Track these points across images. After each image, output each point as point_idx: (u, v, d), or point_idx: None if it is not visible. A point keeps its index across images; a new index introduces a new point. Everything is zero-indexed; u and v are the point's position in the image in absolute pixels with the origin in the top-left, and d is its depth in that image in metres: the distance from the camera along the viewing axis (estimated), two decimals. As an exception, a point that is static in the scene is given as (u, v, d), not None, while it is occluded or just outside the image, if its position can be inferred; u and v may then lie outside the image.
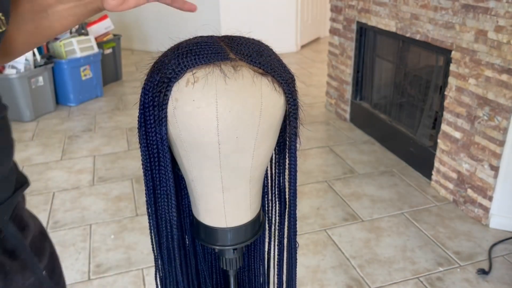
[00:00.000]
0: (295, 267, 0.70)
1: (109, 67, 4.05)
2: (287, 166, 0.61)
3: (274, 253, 0.73)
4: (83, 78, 3.64)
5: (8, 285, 0.51)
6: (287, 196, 0.65)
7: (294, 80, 0.58)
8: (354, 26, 3.03)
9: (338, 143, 2.96)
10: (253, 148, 0.56)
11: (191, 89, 0.52)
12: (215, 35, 0.58)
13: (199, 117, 0.52)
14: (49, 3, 0.53)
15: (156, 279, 0.72)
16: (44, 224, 2.13)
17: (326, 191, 2.41)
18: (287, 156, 0.61)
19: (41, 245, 0.62)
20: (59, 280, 0.66)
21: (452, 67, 2.18)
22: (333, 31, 3.32)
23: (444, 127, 2.29)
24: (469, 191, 2.16)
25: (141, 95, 0.56)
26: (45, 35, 0.55)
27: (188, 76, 0.52)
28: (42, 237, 0.63)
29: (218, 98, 0.51)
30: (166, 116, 0.53)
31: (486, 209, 2.08)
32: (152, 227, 0.65)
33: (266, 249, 0.76)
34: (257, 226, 0.67)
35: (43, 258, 0.60)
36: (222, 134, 0.53)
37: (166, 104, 0.53)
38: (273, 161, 0.68)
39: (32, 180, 2.52)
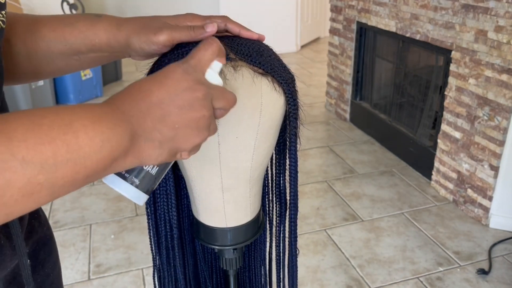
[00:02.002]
0: (296, 269, 0.69)
1: (109, 67, 4.05)
2: (287, 166, 0.61)
3: (274, 254, 0.73)
4: (83, 78, 3.64)
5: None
6: (287, 197, 0.64)
7: (294, 80, 0.58)
8: (354, 26, 3.03)
9: (338, 143, 2.96)
10: (253, 148, 0.56)
11: None
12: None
13: None
14: (81, 50, 0.56)
15: (154, 278, 0.72)
16: (44, 224, 2.13)
17: (326, 191, 2.41)
18: (287, 156, 0.61)
19: (31, 227, 0.59)
20: (45, 278, 0.61)
21: (452, 67, 2.18)
22: (333, 31, 3.32)
23: (444, 127, 2.29)
24: (469, 191, 2.16)
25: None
26: (73, 70, 0.60)
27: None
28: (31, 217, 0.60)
29: None
30: None
31: (486, 209, 2.08)
32: (151, 227, 0.65)
33: (267, 250, 0.76)
34: (257, 226, 0.67)
35: (29, 242, 0.58)
36: (221, 134, 0.53)
37: None
38: (273, 161, 0.68)
39: (32, 180, 2.52)
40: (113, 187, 0.45)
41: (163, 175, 0.48)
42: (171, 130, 0.40)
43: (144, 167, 0.46)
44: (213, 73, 0.45)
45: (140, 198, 0.46)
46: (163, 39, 0.51)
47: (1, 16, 0.45)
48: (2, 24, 0.45)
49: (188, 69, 0.42)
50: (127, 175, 0.45)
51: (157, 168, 0.47)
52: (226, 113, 0.45)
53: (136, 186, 0.45)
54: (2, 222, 0.33)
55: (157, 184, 0.48)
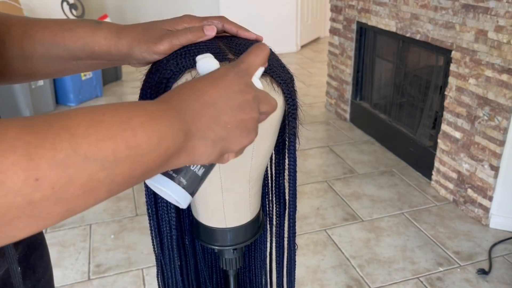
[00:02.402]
0: (294, 268, 0.69)
1: (109, 67, 4.05)
2: (286, 166, 0.61)
3: (274, 254, 0.73)
4: (83, 78, 3.64)
5: None
6: (286, 197, 0.64)
7: (293, 80, 0.58)
8: (354, 26, 3.03)
9: (338, 143, 2.96)
10: (252, 148, 0.56)
11: None
12: None
13: None
14: (79, 56, 0.56)
15: (157, 279, 0.72)
16: (44, 224, 2.13)
17: (326, 191, 2.41)
18: (286, 156, 0.61)
19: None
20: (36, 283, 0.60)
21: (452, 67, 2.17)
22: (333, 31, 3.32)
23: (444, 127, 2.29)
24: (469, 191, 2.16)
25: (139, 96, 0.55)
26: (70, 73, 0.61)
27: (186, 76, 0.52)
28: None
29: None
30: None
31: (486, 209, 2.08)
32: (153, 228, 0.65)
33: (268, 250, 0.76)
34: (257, 226, 0.67)
35: (19, 247, 0.57)
36: (220, 135, 0.53)
37: None
38: (273, 161, 0.68)
39: (32, 180, 2.52)
40: (160, 187, 0.45)
41: (206, 178, 0.49)
42: (223, 130, 0.41)
43: (191, 167, 0.46)
44: (256, 78, 0.47)
45: (186, 199, 0.47)
46: (163, 48, 0.52)
47: None
48: None
49: (239, 73, 0.44)
50: (174, 175, 0.45)
51: (203, 169, 0.47)
52: (267, 118, 0.47)
53: (183, 187, 0.46)
54: (65, 218, 0.34)
55: (200, 186, 0.49)
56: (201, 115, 0.40)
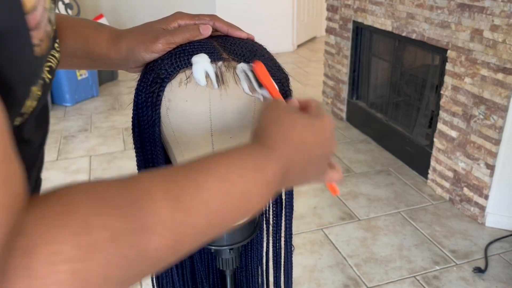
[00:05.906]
0: (291, 268, 0.69)
1: (105, 67, 4.03)
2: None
3: (271, 254, 0.73)
4: (79, 77, 3.63)
5: None
6: (283, 196, 0.64)
7: (288, 79, 0.58)
8: (350, 25, 3.03)
9: (335, 142, 2.96)
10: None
11: (184, 90, 0.51)
12: None
13: (192, 118, 0.52)
14: (76, 54, 0.57)
15: (152, 280, 0.71)
16: (40, 224, 2.12)
17: (323, 190, 2.41)
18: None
19: None
20: None
21: (448, 66, 2.18)
22: (329, 31, 3.32)
23: (440, 126, 2.29)
24: (465, 190, 2.17)
25: (134, 96, 0.55)
26: (60, 68, 0.62)
27: (181, 76, 0.52)
28: None
29: (211, 99, 0.51)
30: (159, 117, 0.53)
31: (482, 208, 2.08)
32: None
33: (264, 250, 0.76)
34: (253, 226, 0.67)
35: None
36: (215, 135, 0.53)
37: (159, 104, 0.52)
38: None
39: (28, 181, 2.51)
40: None
41: None
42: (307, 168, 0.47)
43: None
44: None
45: None
46: (161, 46, 0.53)
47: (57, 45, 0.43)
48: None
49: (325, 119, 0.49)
50: None
51: None
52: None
53: None
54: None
55: None
56: (296, 164, 0.44)
